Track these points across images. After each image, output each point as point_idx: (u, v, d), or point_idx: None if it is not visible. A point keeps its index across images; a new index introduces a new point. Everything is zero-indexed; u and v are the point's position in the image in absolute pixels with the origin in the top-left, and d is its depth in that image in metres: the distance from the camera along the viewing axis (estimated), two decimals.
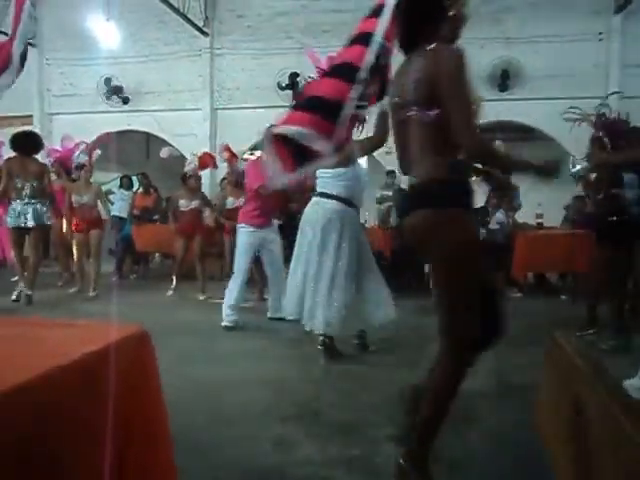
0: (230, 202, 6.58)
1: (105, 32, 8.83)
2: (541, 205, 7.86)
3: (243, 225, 4.69)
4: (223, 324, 4.53)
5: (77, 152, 6.55)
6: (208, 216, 6.68)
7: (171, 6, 8.95)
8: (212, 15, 10.08)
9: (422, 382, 1.91)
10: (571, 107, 4.38)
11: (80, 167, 6.23)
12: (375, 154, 5.72)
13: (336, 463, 2.13)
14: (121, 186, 8.29)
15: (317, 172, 3.74)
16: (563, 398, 1.86)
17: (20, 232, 5.58)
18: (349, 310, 3.52)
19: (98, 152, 6.73)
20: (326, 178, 3.65)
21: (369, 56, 2.14)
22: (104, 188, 7.06)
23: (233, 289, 4.62)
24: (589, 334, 4.11)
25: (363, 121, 2.83)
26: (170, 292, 6.33)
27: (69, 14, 9.39)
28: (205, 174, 7.84)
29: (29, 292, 5.54)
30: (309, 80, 2.19)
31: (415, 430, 1.80)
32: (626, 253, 3.92)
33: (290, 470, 2.08)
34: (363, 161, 5.08)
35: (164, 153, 8.21)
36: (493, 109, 7.49)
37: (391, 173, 7.86)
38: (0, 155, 6.89)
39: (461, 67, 1.65)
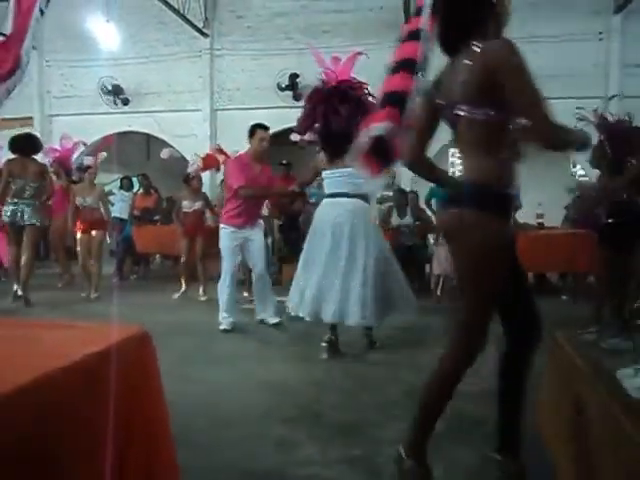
0: None
1: (105, 33, 8.80)
2: (541, 205, 7.86)
3: (224, 226, 4.56)
4: (220, 328, 4.49)
5: (77, 153, 6.54)
6: (209, 217, 6.70)
7: (171, 7, 8.96)
8: (212, 16, 10.09)
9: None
10: (577, 107, 4.39)
11: (83, 169, 6.22)
12: None
13: (337, 463, 2.12)
14: (121, 187, 8.28)
15: (323, 174, 3.76)
16: (564, 398, 1.86)
17: (18, 230, 5.57)
18: (380, 302, 3.57)
19: (104, 154, 6.72)
20: (335, 178, 3.68)
21: (423, 51, 2.16)
22: (104, 189, 7.07)
23: (222, 292, 4.54)
24: (590, 332, 4.10)
25: None
26: (176, 295, 6.20)
27: (69, 15, 9.38)
28: (205, 175, 7.83)
29: (20, 292, 5.50)
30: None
31: (415, 420, 1.81)
32: (627, 254, 3.92)
33: (291, 471, 2.08)
34: None
35: (164, 154, 8.24)
36: None
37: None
38: None
39: (520, 55, 1.64)
